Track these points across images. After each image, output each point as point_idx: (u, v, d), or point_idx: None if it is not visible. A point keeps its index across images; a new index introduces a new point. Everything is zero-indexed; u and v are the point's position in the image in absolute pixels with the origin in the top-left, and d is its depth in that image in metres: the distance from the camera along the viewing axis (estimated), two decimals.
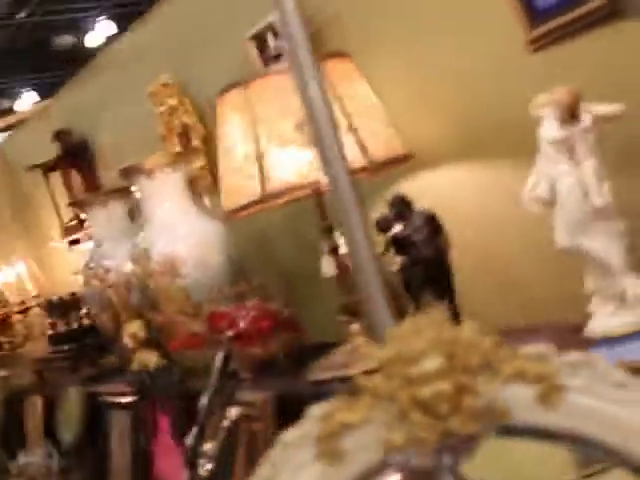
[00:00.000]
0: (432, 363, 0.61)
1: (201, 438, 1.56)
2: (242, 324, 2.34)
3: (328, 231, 2.12)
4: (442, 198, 2.08)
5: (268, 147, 2.02)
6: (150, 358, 2.67)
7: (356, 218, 0.97)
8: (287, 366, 2.34)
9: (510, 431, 0.63)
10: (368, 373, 0.64)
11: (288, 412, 1.90)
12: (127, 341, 2.78)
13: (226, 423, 1.61)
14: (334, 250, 2.12)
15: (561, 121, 1.51)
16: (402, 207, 1.90)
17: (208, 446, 1.56)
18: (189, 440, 1.57)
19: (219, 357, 1.71)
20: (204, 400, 1.63)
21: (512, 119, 1.86)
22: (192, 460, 1.59)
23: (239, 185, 2.08)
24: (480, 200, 2.07)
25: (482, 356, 0.62)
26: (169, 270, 2.61)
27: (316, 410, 0.64)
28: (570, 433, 0.62)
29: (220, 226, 2.73)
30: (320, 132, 0.96)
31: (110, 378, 3.28)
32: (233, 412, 1.65)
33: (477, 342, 0.62)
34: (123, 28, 4.00)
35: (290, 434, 0.64)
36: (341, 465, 0.62)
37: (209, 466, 1.64)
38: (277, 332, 2.39)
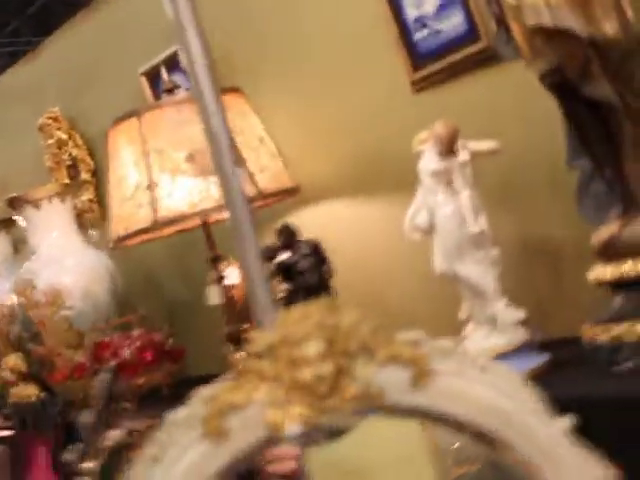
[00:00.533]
0: (314, 347, 0.64)
1: (82, 456, 1.55)
2: (126, 354, 2.34)
3: (215, 261, 2.15)
4: (327, 229, 2.14)
5: (160, 177, 2.04)
6: (30, 391, 2.61)
7: (251, 241, 1.02)
8: (170, 396, 2.34)
9: (384, 411, 0.67)
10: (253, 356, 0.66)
11: None
12: (6, 374, 2.72)
13: (108, 444, 1.61)
14: (220, 279, 2.15)
15: (440, 154, 1.58)
16: (288, 236, 1.95)
17: (89, 464, 1.55)
18: (69, 455, 1.56)
19: (103, 377, 1.71)
20: (86, 417, 1.62)
21: (394, 155, 1.94)
22: (70, 475, 1.58)
23: (130, 213, 2.09)
24: (364, 231, 2.14)
25: (360, 341, 0.65)
26: (53, 300, 2.58)
27: (203, 392, 0.66)
28: (439, 412, 0.67)
29: (106, 258, 2.72)
30: (221, 162, 1.01)
31: None
32: (116, 434, 1.65)
33: (356, 327, 0.66)
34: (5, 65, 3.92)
35: (176, 414, 0.67)
36: (226, 443, 0.64)
37: None
38: (161, 362, 2.39)
